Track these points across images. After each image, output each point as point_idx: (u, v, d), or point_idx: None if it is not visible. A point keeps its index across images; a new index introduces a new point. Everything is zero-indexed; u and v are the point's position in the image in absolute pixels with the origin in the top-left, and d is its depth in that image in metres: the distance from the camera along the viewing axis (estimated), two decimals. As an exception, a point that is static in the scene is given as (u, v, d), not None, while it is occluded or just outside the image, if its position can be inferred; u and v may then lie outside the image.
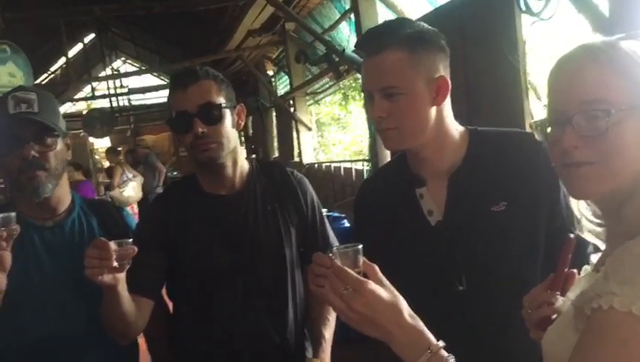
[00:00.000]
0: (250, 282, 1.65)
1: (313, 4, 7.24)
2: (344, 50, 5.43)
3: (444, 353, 0.90)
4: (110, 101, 13.86)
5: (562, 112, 0.89)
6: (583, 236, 1.02)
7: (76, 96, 15.35)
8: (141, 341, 1.75)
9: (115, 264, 1.32)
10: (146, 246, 1.54)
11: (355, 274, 0.95)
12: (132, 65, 17.47)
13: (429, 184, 1.37)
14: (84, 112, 13.74)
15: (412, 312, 0.95)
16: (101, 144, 16.41)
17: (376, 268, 0.98)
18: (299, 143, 9.07)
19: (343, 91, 9.15)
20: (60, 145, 1.57)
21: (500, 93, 3.34)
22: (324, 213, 1.89)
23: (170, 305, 1.80)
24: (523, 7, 3.09)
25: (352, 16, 5.85)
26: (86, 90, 15.69)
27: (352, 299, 0.93)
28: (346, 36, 6.62)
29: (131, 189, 8.79)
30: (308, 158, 8.90)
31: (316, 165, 8.54)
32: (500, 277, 1.31)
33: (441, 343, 0.91)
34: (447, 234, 1.32)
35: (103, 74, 14.53)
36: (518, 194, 1.31)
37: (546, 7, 2.97)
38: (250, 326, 1.65)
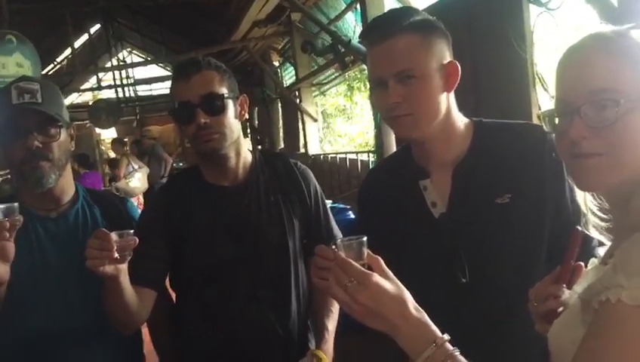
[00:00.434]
0: (253, 273, 1.65)
1: (319, -6, 7.21)
2: (350, 40, 5.41)
3: (450, 346, 0.89)
4: (116, 92, 13.88)
5: (570, 102, 0.87)
6: (587, 232, 1.01)
7: (82, 87, 15.36)
8: (145, 331, 1.75)
9: (116, 255, 1.32)
10: (149, 236, 1.53)
11: (360, 267, 0.94)
12: (138, 55, 17.49)
13: (433, 176, 1.36)
14: (90, 103, 13.75)
15: (417, 305, 0.94)
16: (107, 135, 16.48)
17: (381, 260, 0.97)
18: (304, 134, 9.06)
19: (348, 82, 9.11)
20: (63, 135, 1.57)
21: (507, 84, 3.32)
22: (329, 205, 1.87)
23: (174, 295, 1.80)
24: (531, -3, 3.06)
25: (358, 6, 5.82)
26: (92, 81, 15.70)
27: (356, 291, 0.92)
28: (352, 27, 6.59)
29: (137, 180, 8.82)
30: (313, 149, 8.89)
31: (322, 156, 8.53)
32: (503, 269, 1.30)
33: (446, 336, 0.90)
34: (451, 226, 1.31)
35: (108, 64, 14.54)
36: (523, 187, 1.29)
37: (553, -3, 2.94)
38: (253, 317, 1.65)
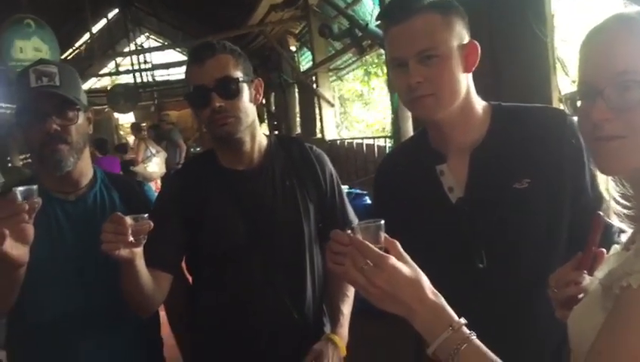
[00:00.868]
0: (268, 258, 1.65)
1: (337, -23, 7.14)
2: (367, 24, 5.36)
3: (466, 330, 0.89)
4: (134, 77, 13.97)
5: (593, 84, 0.85)
6: (609, 219, 0.99)
7: (100, 72, 15.48)
8: (162, 313, 1.76)
9: (131, 239, 1.33)
10: (164, 220, 1.54)
11: (377, 249, 0.93)
12: (155, 40, 17.55)
13: (450, 160, 1.34)
14: (109, 88, 13.85)
15: (433, 289, 0.93)
16: (125, 119, 16.60)
17: (398, 243, 0.96)
18: (321, 119, 9.03)
19: (365, 67, 9.05)
20: (81, 118, 1.57)
21: (527, 68, 3.26)
22: (346, 190, 1.87)
23: (190, 278, 1.81)
24: (552, -21, 3.00)
25: (376, -11, 5.76)
26: (110, 66, 15.82)
27: (373, 274, 0.92)
28: (370, 10, 6.53)
29: (155, 165, 8.90)
30: (330, 135, 8.87)
31: (338, 141, 8.51)
32: (521, 255, 1.29)
33: (462, 320, 0.90)
34: (468, 211, 1.30)
35: (126, 49, 14.61)
36: (542, 171, 1.27)
37: (576, -21, 2.88)
38: (269, 302, 1.65)
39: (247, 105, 1.62)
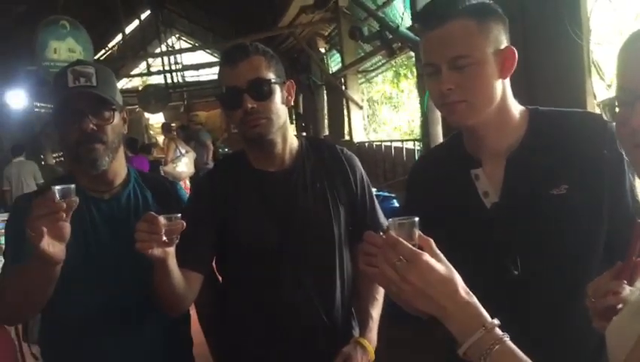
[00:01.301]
0: (298, 259, 1.65)
1: (367, -21, 7.12)
2: (398, 26, 5.33)
3: (499, 331, 0.87)
4: (165, 77, 14.16)
5: (632, 90, 0.83)
6: None
7: (132, 73, 15.71)
8: (192, 312, 1.78)
9: (165, 238, 1.34)
10: (196, 221, 1.55)
11: (410, 246, 0.92)
12: (186, 42, 17.75)
13: (485, 165, 1.32)
14: (140, 88, 14.06)
15: (467, 288, 0.91)
16: (155, 119, 16.82)
17: (432, 241, 0.95)
18: (349, 122, 9.03)
19: (394, 69, 9.01)
20: (117, 118, 1.60)
21: (561, 72, 3.21)
22: (374, 193, 1.86)
23: (220, 278, 1.82)
24: (588, -19, 2.95)
25: (407, -9, 5.73)
26: (142, 67, 16.04)
27: (406, 270, 0.90)
28: (400, 13, 6.50)
29: (184, 165, 9.00)
30: (358, 137, 8.86)
31: (367, 144, 8.49)
32: (557, 263, 1.26)
33: (496, 321, 0.88)
34: (503, 216, 1.28)
35: (158, 50, 14.81)
36: (581, 178, 1.24)
37: (613, -18, 2.82)
38: (298, 303, 1.65)
39: (279, 106, 1.62)
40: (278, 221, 1.65)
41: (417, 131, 7.18)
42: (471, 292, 0.91)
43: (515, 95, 1.33)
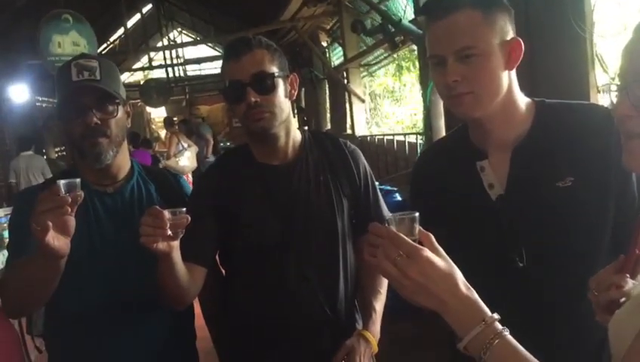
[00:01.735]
0: (302, 252, 1.65)
1: (369, -27, 7.10)
2: (400, 20, 5.32)
3: (499, 325, 0.88)
4: (166, 71, 14.15)
5: (623, 79, 0.84)
6: None
7: (134, 67, 15.70)
8: (196, 306, 1.78)
9: (169, 232, 1.34)
10: (199, 214, 1.55)
11: (410, 241, 0.92)
12: (188, 35, 17.72)
13: (490, 157, 1.32)
14: (142, 82, 14.05)
15: (467, 283, 0.92)
16: (157, 114, 16.83)
17: (432, 236, 0.95)
18: (352, 115, 9.03)
19: (397, 62, 8.99)
20: (120, 112, 1.60)
21: (564, 65, 3.20)
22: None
23: (224, 272, 1.83)
24: (592, -26, 2.94)
25: (409, -16, 5.71)
26: (143, 61, 16.03)
27: (406, 265, 0.90)
28: (403, 6, 6.48)
29: (186, 159, 9.01)
30: (361, 131, 8.86)
31: (369, 138, 8.48)
32: (562, 255, 1.26)
33: (495, 315, 0.89)
34: (508, 208, 1.28)
35: (159, 44, 14.79)
36: (587, 170, 1.24)
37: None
38: (302, 297, 1.65)
39: (283, 100, 1.62)
40: (281, 214, 1.65)
41: (420, 125, 7.17)
42: (471, 287, 0.92)
43: (519, 88, 1.32)
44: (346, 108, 9.46)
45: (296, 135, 1.73)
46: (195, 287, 1.60)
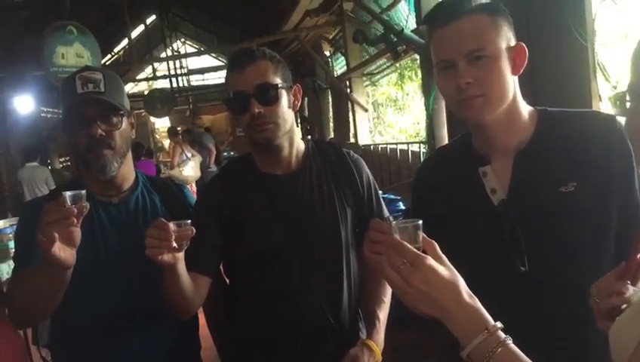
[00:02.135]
0: (305, 261, 1.66)
1: (371, -17, 7.15)
2: (403, 29, 5.34)
3: (502, 334, 0.88)
4: (170, 81, 14.20)
5: (633, 92, 0.84)
6: None
7: (138, 77, 15.77)
8: (200, 315, 1.79)
9: (174, 244, 1.35)
10: (204, 224, 1.56)
11: (414, 249, 0.93)
12: (191, 46, 17.80)
13: (493, 162, 1.33)
14: (146, 93, 14.11)
15: (470, 291, 0.92)
16: (161, 123, 16.88)
17: (436, 244, 0.96)
18: (355, 124, 9.04)
19: (399, 71, 9.01)
20: (124, 124, 1.61)
21: (565, 73, 3.21)
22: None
23: (228, 281, 1.83)
24: (593, -17, 2.95)
25: (411, -6, 5.74)
26: (147, 71, 16.10)
27: (409, 273, 0.91)
28: (405, 16, 6.51)
29: (190, 168, 9.02)
30: (364, 140, 8.87)
31: (372, 147, 8.49)
32: (565, 260, 1.27)
33: (498, 324, 0.89)
34: (511, 213, 1.28)
35: (163, 55, 14.86)
36: (589, 176, 1.25)
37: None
38: (305, 305, 1.66)
39: (286, 110, 1.64)
40: (285, 224, 1.66)
41: (423, 134, 7.18)
42: (474, 295, 0.92)
43: (521, 96, 1.34)
44: (349, 118, 9.47)
45: (300, 145, 1.74)
46: (199, 297, 1.61)
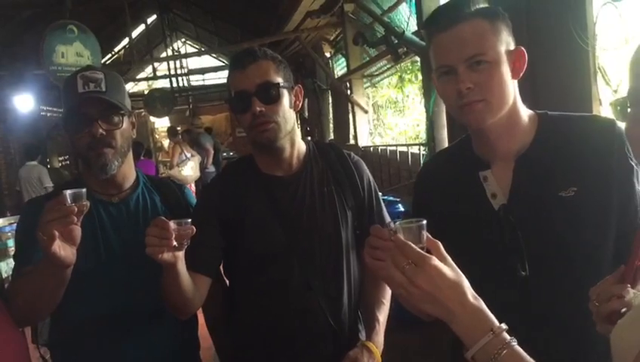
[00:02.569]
0: (306, 262, 1.66)
1: (373, -16, 7.15)
2: (404, 31, 5.34)
3: (507, 336, 0.88)
4: (170, 81, 14.19)
5: (634, 98, 0.84)
6: None
7: (138, 77, 15.77)
8: (200, 315, 1.79)
9: (175, 243, 1.35)
10: (204, 225, 1.57)
11: (418, 249, 0.93)
12: (192, 46, 17.81)
13: (493, 167, 1.33)
14: (146, 92, 14.11)
15: (474, 293, 0.92)
16: (161, 123, 16.87)
17: (440, 244, 0.96)
18: (355, 126, 9.03)
19: (399, 74, 9.01)
20: (125, 123, 1.62)
21: (566, 77, 3.21)
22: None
23: (228, 282, 1.84)
24: (594, -13, 2.95)
25: (413, -4, 5.74)
26: (147, 71, 16.09)
27: (414, 273, 0.91)
28: (406, 18, 6.51)
29: (189, 168, 9.03)
30: (364, 141, 8.86)
31: (372, 148, 8.49)
32: (565, 264, 1.27)
33: (503, 325, 0.89)
34: (511, 218, 1.29)
35: (163, 55, 14.86)
36: (589, 180, 1.25)
37: (618, -13, 2.83)
38: (306, 307, 1.66)
39: (287, 110, 1.64)
40: (285, 225, 1.66)
41: (423, 136, 7.18)
42: (479, 297, 0.92)
43: (522, 100, 1.34)
44: (349, 119, 9.47)
45: (301, 146, 1.74)
46: (199, 297, 1.61)
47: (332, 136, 11.03)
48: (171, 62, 14.31)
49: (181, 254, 1.42)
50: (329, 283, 1.69)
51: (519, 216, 1.28)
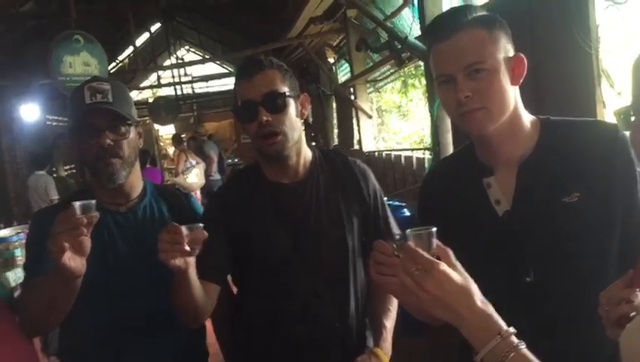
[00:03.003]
0: (313, 270, 1.67)
1: (375, -10, 7.17)
2: (407, 37, 5.35)
3: (515, 339, 0.89)
4: (175, 89, 14.25)
5: (637, 103, 0.85)
6: None
7: (142, 85, 15.83)
8: (208, 323, 1.80)
9: (187, 248, 1.37)
10: (213, 233, 1.57)
11: (427, 255, 0.95)
12: (196, 53, 17.86)
13: (497, 173, 1.34)
14: (150, 100, 14.16)
15: (483, 297, 0.94)
16: (165, 131, 16.93)
17: (450, 251, 0.97)
18: (359, 131, 9.04)
19: (403, 78, 9.02)
20: (132, 133, 1.63)
21: (570, 80, 3.21)
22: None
23: (235, 290, 1.84)
24: (597, -10, 2.96)
25: (416, 2, 5.75)
26: (152, 79, 16.15)
27: (423, 279, 0.93)
28: (409, 23, 6.52)
29: (194, 176, 9.05)
30: (368, 146, 8.86)
31: (376, 153, 8.49)
32: (570, 270, 1.27)
33: (511, 329, 0.90)
34: (515, 224, 1.29)
35: (168, 62, 14.92)
36: (593, 186, 1.26)
37: (621, -9, 2.83)
38: (313, 315, 1.67)
39: (294, 119, 1.65)
40: (292, 232, 1.67)
41: (427, 140, 7.18)
42: (487, 301, 0.93)
43: (525, 105, 1.34)
44: (353, 124, 9.48)
45: (307, 153, 1.75)
46: (209, 305, 1.62)
47: (336, 142, 11.04)
48: (175, 70, 14.36)
49: (192, 260, 1.43)
50: (336, 290, 1.69)
51: (523, 221, 1.29)
